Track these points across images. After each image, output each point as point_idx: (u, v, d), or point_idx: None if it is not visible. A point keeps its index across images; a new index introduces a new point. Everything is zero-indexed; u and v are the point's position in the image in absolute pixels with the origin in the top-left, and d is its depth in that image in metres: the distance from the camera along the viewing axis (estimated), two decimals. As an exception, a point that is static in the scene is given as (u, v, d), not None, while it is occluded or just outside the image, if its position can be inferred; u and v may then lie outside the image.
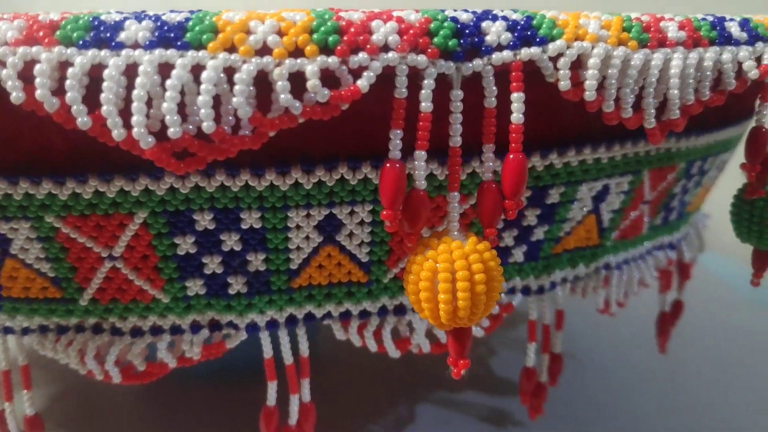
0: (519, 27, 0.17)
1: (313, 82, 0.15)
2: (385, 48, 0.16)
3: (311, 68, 0.15)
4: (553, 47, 0.16)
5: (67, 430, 0.31)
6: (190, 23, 0.15)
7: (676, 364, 0.37)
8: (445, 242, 0.17)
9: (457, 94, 0.16)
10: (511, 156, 0.17)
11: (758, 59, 0.20)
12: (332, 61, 0.15)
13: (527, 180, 0.18)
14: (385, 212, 0.16)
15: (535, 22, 0.17)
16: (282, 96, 0.15)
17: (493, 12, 0.17)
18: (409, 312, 0.24)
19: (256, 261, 0.21)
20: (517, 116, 0.17)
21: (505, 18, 0.17)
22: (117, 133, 0.15)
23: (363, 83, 0.15)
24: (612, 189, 0.25)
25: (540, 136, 0.20)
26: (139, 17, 0.15)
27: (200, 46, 0.15)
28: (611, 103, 0.17)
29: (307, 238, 0.21)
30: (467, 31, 0.16)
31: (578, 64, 0.17)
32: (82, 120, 0.15)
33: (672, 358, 0.36)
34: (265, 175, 0.19)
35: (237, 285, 0.21)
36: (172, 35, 0.15)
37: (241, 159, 0.18)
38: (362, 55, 0.15)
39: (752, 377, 0.36)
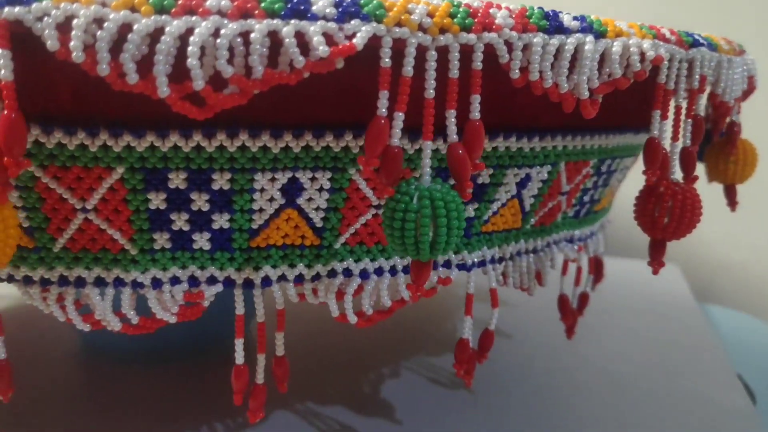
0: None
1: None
2: None
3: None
4: (37, 7, 0.17)
5: None
6: None
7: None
8: None
9: None
10: (5, 112, 0.17)
11: (350, 37, 0.18)
12: None
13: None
14: None
15: None
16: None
17: None
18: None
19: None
20: (5, 73, 0.17)
21: None
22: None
23: None
24: (260, 187, 0.23)
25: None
26: None
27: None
28: (105, 66, 0.17)
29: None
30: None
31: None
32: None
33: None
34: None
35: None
36: None
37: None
38: None
39: None
